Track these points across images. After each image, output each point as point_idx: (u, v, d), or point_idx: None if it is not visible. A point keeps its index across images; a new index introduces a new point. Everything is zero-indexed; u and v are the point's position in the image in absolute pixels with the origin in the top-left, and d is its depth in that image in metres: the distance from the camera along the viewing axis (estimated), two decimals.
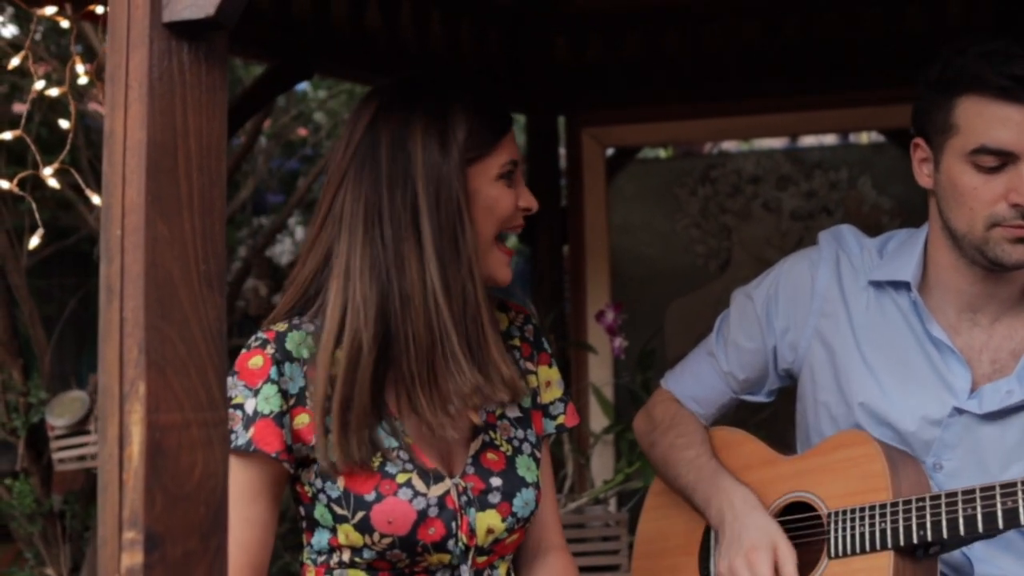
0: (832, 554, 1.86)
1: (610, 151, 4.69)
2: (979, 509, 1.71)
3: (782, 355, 2.09)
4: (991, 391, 1.89)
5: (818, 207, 4.57)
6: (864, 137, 5.44)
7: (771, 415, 2.95)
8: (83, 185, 3.00)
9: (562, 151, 4.72)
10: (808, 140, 6.50)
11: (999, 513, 1.68)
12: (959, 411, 1.89)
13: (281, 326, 1.79)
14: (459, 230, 1.72)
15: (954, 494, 1.76)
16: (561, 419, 1.99)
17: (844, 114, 4.53)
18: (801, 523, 1.95)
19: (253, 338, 1.78)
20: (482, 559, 1.82)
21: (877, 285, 1.99)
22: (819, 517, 1.91)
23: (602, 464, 3.88)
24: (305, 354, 1.76)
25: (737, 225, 4.67)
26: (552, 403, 1.98)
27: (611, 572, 3.22)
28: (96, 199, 2.97)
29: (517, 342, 1.95)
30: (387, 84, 1.85)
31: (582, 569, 3.29)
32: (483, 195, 1.76)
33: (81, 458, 3.74)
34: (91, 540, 4.08)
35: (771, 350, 2.10)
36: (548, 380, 1.98)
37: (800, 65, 4.42)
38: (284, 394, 1.73)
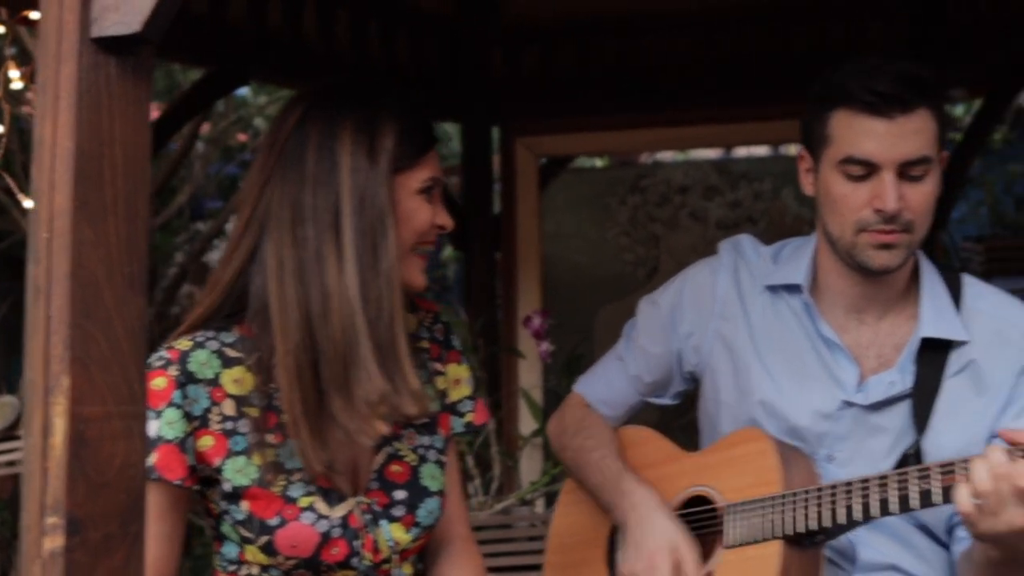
0: (727, 544, 1.97)
1: (543, 160, 4.78)
2: (858, 500, 1.82)
3: (686, 358, 2.19)
4: (876, 383, 2.00)
5: (743, 217, 4.70)
6: (793, 149, 5.59)
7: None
8: (16, 189, 3.01)
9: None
10: (741, 152, 6.66)
11: (875, 503, 1.81)
12: (848, 404, 2.01)
13: (185, 344, 1.77)
14: (380, 237, 1.71)
15: (835, 486, 1.87)
16: (470, 417, 2.01)
17: (775, 126, 4.67)
18: (700, 516, 2.06)
19: (156, 356, 1.75)
20: (388, 565, 1.87)
21: (772, 289, 2.11)
22: (716, 509, 2.03)
23: (531, 466, 3.97)
24: (210, 374, 1.75)
25: (665, 234, 4.78)
26: (461, 401, 2.00)
27: (536, 571, 3.30)
28: (28, 203, 3.00)
29: (426, 343, 1.97)
30: (317, 86, 1.85)
31: (508, 569, 3.39)
32: (403, 206, 1.77)
33: (10, 463, 3.68)
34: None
35: (676, 353, 2.20)
36: (457, 378, 2.00)
37: (733, 78, 4.55)
38: (188, 417, 1.73)
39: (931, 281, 2.05)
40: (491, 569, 3.45)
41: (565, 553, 2.26)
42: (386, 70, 4.23)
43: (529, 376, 4.18)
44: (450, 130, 6.07)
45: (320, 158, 1.73)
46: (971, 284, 2.08)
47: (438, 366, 1.99)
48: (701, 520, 2.06)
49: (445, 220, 1.85)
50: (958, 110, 6.98)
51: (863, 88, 1.89)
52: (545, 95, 4.62)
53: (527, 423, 4.09)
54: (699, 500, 2.07)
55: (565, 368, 3.64)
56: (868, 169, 1.91)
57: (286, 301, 1.71)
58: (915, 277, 2.07)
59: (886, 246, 1.93)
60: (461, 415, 2.01)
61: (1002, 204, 6.69)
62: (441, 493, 1.91)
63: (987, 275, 6.20)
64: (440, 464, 1.94)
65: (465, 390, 2.02)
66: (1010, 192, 6.79)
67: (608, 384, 2.30)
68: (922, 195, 1.93)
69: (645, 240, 4.79)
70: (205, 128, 6.40)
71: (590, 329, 4.59)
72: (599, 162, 7.03)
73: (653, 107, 4.59)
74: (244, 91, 6.78)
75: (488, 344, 3.91)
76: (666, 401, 2.29)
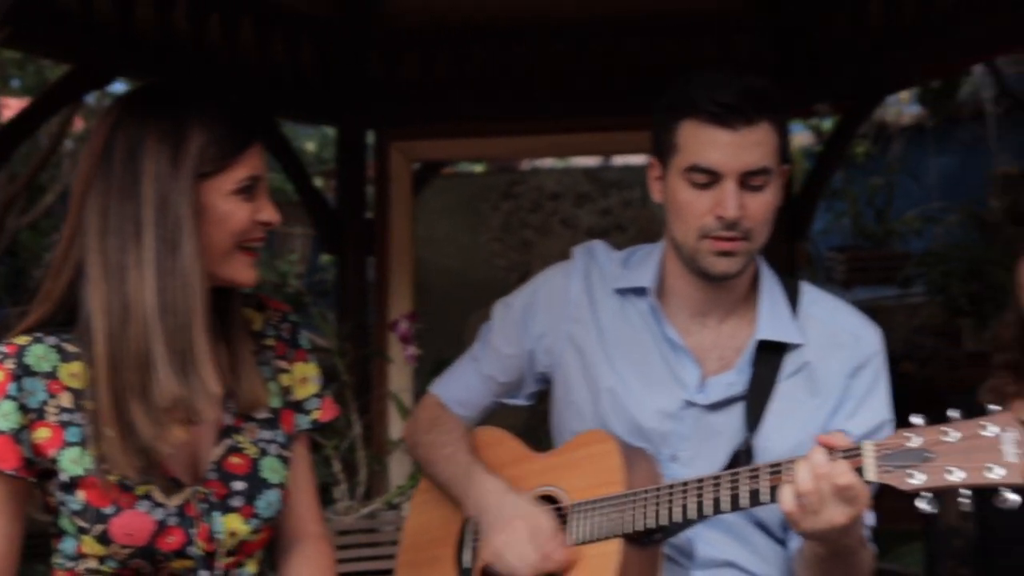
0: (570, 542, 2.01)
1: (417, 165, 4.79)
2: (693, 499, 1.87)
3: (538, 359, 2.23)
4: (715, 384, 2.07)
5: (613, 224, 4.78)
6: None
7: None
8: None
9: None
10: (619, 160, 6.77)
11: (709, 502, 1.85)
12: (689, 404, 2.07)
13: (23, 339, 1.78)
14: (179, 244, 1.74)
15: (672, 486, 1.91)
16: (316, 414, 2.02)
17: (646, 136, 4.71)
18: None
19: None
20: (229, 560, 1.88)
21: (621, 292, 2.16)
22: (562, 509, 2.07)
23: (400, 470, 3.97)
24: (47, 368, 1.77)
25: (537, 240, 4.83)
26: (308, 399, 2.02)
27: None
28: None
29: (271, 341, 1.98)
30: (129, 92, 1.86)
31: (374, 572, 3.40)
32: (216, 209, 1.79)
33: None
34: None
35: (528, 355, 2.24)
36: (304, 376, 2.02)
37: (609, 86, 4.63)
38: (23, 409, 1.74)
39: (770, 287, 2.12)
40: (357, 573, 3.46)
41: (416, 551, 2.29)
42: (260, 70, 4.19)
43: (400, 380, 4.18)
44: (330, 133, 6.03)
45: (125, 167, 1.75)
46: (808, 291, 2.15)
47: (283, 364, 2.00)
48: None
49: (270, 216, 1.86)
50: (825, 124, 7.24)
51: (709, 100, 1.95)
52: (421, 100, 4.62)
53: (397, 427, 4.09)
54: (548, 500, 2.11)
55: (434, 372, 3.65)
56: (712, 178, 1.97)
57: (94, 311, 1.74)
58: (755, 283, 2.14)
59: (726, 253, 1.99)
60: (307, 412, 2.03)
61: (864, 216, 6.96)
62: (282, 486, 1.93)
63: (849, 284, 6.46)
64: (282, 459, 1.95)
65: (312, 388, 2.04)
66: (872, 204, 7.06)
67: (463, 385, 2.33)
68: (761, 204, 1.99)
69: (517, 246, 4.84)
70: (78, 125, 6.24)
71: (462, 333, 4.60)
72: (478, 167, 7.08)
73: (530, 114, 4.63)
74: (118, 87, 6.62)
75: (357, 347, 3.90)
76: (520, 402, 2.33)
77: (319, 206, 4.66)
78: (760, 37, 4.66)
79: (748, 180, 1.97)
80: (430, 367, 3.68)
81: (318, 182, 8.73)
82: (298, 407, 2.02)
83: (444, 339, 4.12)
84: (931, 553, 2.38)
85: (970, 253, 5.94)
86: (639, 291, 2.14)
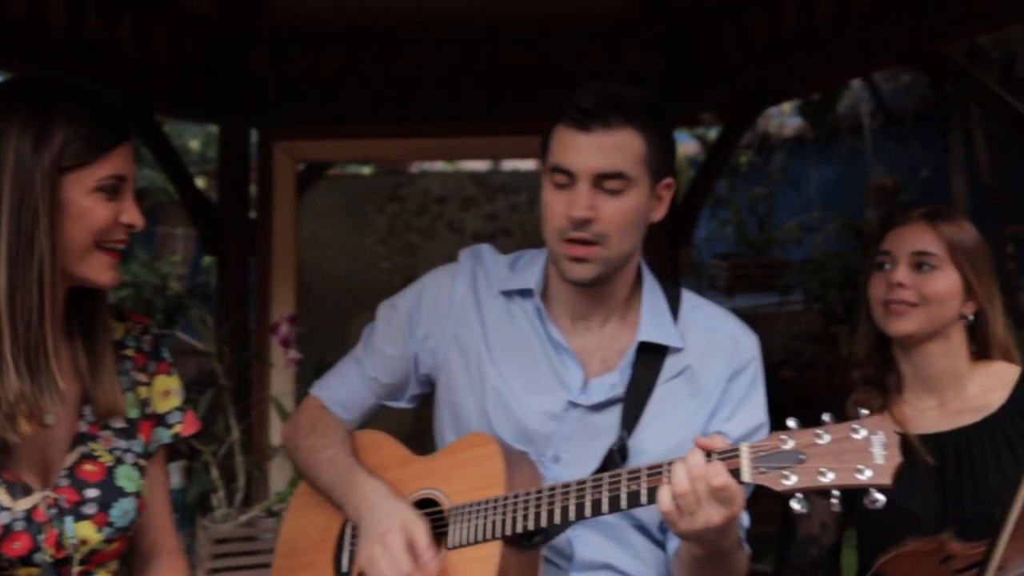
0: (450, 545, 2.01)
1: (302, 165, 4.74)
2: (572, 501, 1.88)
3: (422, 361, 2.22)
4: (598, 385, 2.09)
5: (499, 229, 4.80)
6: None
7: None
8: None
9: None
10: (507, 165, 6.81)
11: (588, 504, 1.86)
12: (572, 404, 2.08)
13: None
14: (35, 236, 1.72)
15: (553, 488, 1.91)
16: (178, 428, 2.01)
17: (534, 141, 4.73)
18: (428, 518, 2.07)
19: None
20: (80, 569, 1.84)
21: (507, 294, 2.18)
22: (443, 512, 2.07)
23: (281, 476, 3.91)
24: None
25: (422, 243, 4.82)
26: (169, 412, 2.01)
27: None
28: None
29: (131, 352, 1.98)
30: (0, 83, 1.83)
31: None
32: (75, 205, 1.76)
33: None
34: None
35: (412, 356, 2.21)
36: (166, 390, 2.01)
37: (497, 91, 4.65)
38: None
39: (651, 291, 2.16)
40: None
41: (293, 557, 2.25)
42: (140, 64, 4.08)
43: (280, 384, 4.13)
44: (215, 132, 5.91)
45: None
46: (688, 298, 2.19)
47: (142, 376, 1.98)
48: (430, 522, 2.09)
49: (133, 218, 1.84)
50: (710, 133, 7.39)
51: (572, 105, 2.00)
52: (307, 99, 4.58)
53: (277, 432, 4.02)
54: (428, 503, 2.11)
55: (315, 376, 3.58)
56: (569, 179, 2.00)
57: None
58: (638, 287, 2.16)
59: (579, 259, 2.01)
60: (169, 426, 2.01)
61: (747, 224, 7.11)
62: (138, 495, 1.90)
63: (731, 291, 6.60)
64: (139, 468, 1.92)
65: (174, 401, 2.02)
66: (754, 213, 7.22)
67: (345, 386, 2.31)
68: (617, 210, 2.01)
69: (402, 249, 4.82)
70: None
71: (345, 337, 4.55)
72: (365, 170, 7.02)
73: (418, 117, 4.63)
74: None
75: (237, 351, 3.83)
76: (403, 405, 2.32)
77: (200, 206, 4.56)
78: (647, 46, 4.74)
79: (603, 183, 2.00)
80: (312, 371, 3.62)
81: (202, 182, 8.56)
82: (159, 420, 1.99)
83: (327, 342, 4.05)
84: (784, 559, 2.43)
85: (847, 262, 6.13)
86: (525, 293, 2.16)
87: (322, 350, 3.83)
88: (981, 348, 2.36)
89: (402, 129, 4.67)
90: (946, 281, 2.31)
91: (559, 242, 2.03)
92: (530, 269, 2.19)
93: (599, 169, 1.99)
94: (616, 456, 2.01)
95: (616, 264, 2.06)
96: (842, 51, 4.16)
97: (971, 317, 2.34)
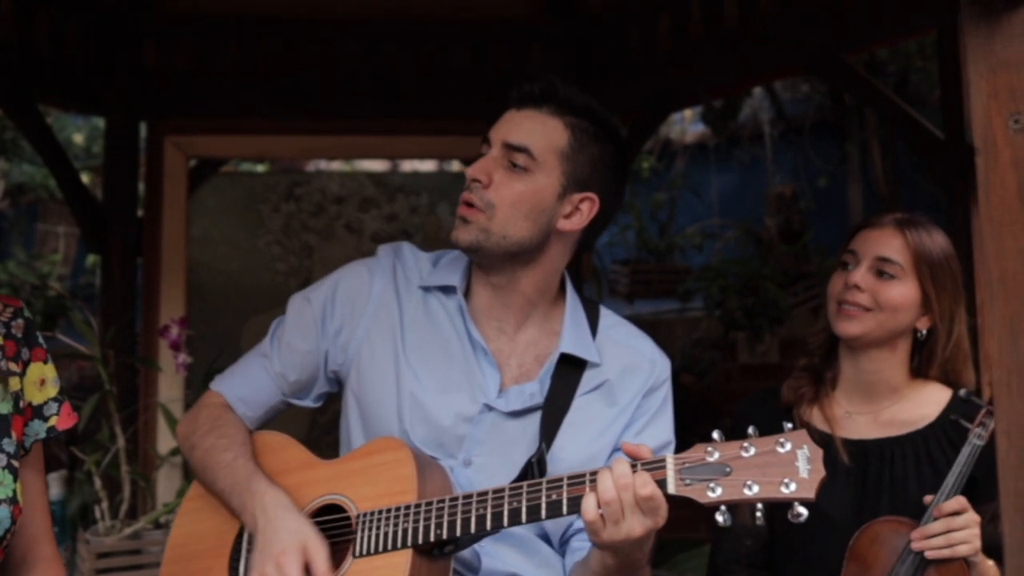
0: (357, 553, 1.96)
1: (193, 161, 4.62)
2: (488, 509, 1.86)
3: (333, 357, 2.18)
4: (516, 393, 2.10)
5: (398, 230, 4.75)
6: (456, 165, 5.72)
7: None
8: None
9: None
10: (408, 165, 6.75)
11: (505, 512, 1.84)
12: (488, 408, 2.08)
13: None
14: None
15: (469, 496, 1.89)
16: (54, 420, 1.92)
17: (439, 141, 4.77)
18: (333, 525, 2.05)
19: None
20: None
21: (427, 290, 2.18)
22: (350, 518, 2.02)
23: (169, 486, 3.80)
24: None
25: (319, 244, 4.75)
26: (45, 403, 1.91)
27: None
28: None
29: (0, 340, 1.88)
30: None
31: None
32: None
33: None
34: None
35: (323, 352, 2.17)
36: (43, 378, 1.91)
37: (398, 89, 4.61)
38: None
39: (574, 306, 2.19)
40: None
41: (184, 563, 2.15)
42: (20, 53, 3.92)
43: (169, 390, 4.02)
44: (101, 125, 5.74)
45: None
46: (606, 315, 2.24)
47: (12, 366, 1.87)
48: (334, 529, 2.04)
49: None
50: None
51: (519, 88, 2.10)
52: (200, 92, 4.48)
53: (166, 440, 3.93)
54: (333, 508, 2.05)
55: (206, 381, 3.50)
56: (488, 147, 2.09)
57: None
58: (561, 305, 2.19)
59: (462, 219, 2.07)
60: (45, 418, 1.91)
61: (647, 230, 7.19)
62: (12, 501, 1.80)
63: (631, 296, 6.66)
64: (11, 470, 1.82)
65: (51, 391, 1.92)
66: (655, 219, 7.31)
67: (249, 382, 2.23)
68: (511, 186, 2.05)
69: (298, 250, 4.74)
70: None
71: (237, 341, 4.46)
72: (260, 168, 6.89)
73: (315, 114, 4.57)
74: None
75: (122, 355, 3.71)
76: (308, 403, 2.26)
77: (84, 202, 4.42)
78: (553, 47, 4.75)
79: (509, 155, 2.06)
80: (202, 376, 3.52)
81: (87, 178, 8.30)
82: (34, 412, 1.89)
83: (218, 346, 3.96)
84: (719, 550, 2.46)
85: (746, 269, 6.24)
86: (447, 290, 2.16)
87: (213, 354, 3.73)
88: (922, 366, 2.38)
89: (299, 126, 4.60)
90: (903, 291, 2.32)
91: (459, 202, 2.08)
92: (453, 267, 2.19)
93: (507, 139, 2.06)
94: (535, 468, 1.99)
95: (499, 244, 2.07)
96: (747, 59, 4.24)
97: (923, 333, 2.35)
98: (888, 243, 2.34)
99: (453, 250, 2.23)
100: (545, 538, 2.12)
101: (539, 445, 2.03)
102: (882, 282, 2.32)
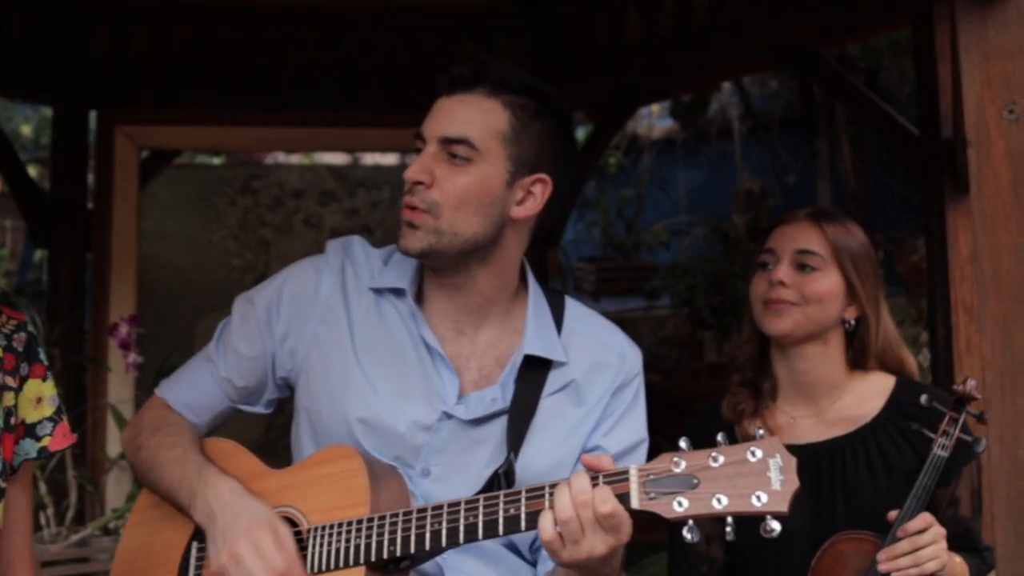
0: (309, 569, 1.88)
1: (145, 153, 4.56)
2: (444, 524, 1.78)
3: (280, 363, 2.08)
4: (477, 399, 1.98)
5: (359, 225, 4.70)
6: None
7: None
8: None
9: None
10: (369, 159, 6.69)
11: (462, 528, 1.76)
12: (447, 416, 1.97)
13: None
14: None
15: (424, 510, 1.81)
16: (46, 441, 1.86)
17: (401, 134, 4.70)
18: None
19: None
20: None
21: (378, 292, 2.05)
22: (301, 532, 1.93)
23: (118, 491, 3.71)
24: None
25: (276, 239, 4.70)
26: (40, 422, 1.85)
27: None
28: None
29: (0, 352, 1.81)
30: None
31: None
32: None
33: None
34: None
35: (270, 357, 2.07)
36: (39, 396, 1.85)
37: (360, 81, 4.55)
38: None
39: (536, 300, 2.06)
40: None
41: None
42: None
43: (119, 390, 3.95)
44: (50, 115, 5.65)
45: None
46: (572, 307, 2.11)
47: (9, 380, 1.80)
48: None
49: None
50: (578, 133, 7.42)
51: (447, 72, 1.95)
52: (153, 81, 4.39)
53: (115, 443, 3.86)
54: (285, 522, 1.97)
55: (157, 381, 3.40)
56: (423, 143, 1.94)
57: None
58: (523, 297, 2.07)
59: (409, 224, 1.94)
60: (37, 438, 1.84)
61: (614, 227, 7.17)
62: None
63: (597, 294, 6.64)
64: None
65: (47, 410, 1.86)
66: (621, 215, 7.29)
67: (195, 387, 2.13)
68: (456, 182, 1.92)
69: (255, 245, 4.68)
70: None
71: (191, 339, 4.38)
72: (216, 160, 6.81)
73: (273, 105, 4.49)
74: None
75: (69, 354, 3.62)
76: (259, 409, 2.15)
77: (31, 195, 4.33)
78: (519, 39, 4.71)
79: (448, 147, 1.91)
80: (153, 376, 3.44)
81: (34, 171, 8.16)
82: (27, 431, 1.83)
83: (171, 345, 3.87)
84: (680, 565, 2.40)
85: (714, 266, 6.24)
86: (398, 292, 2.05)
87: (166, 353, 3.64)
88: (858, 357, 2.37)
89: (256, 117, 4.53)
90: (827, 282, 2.31)
91: (402, 209, 1.95)
92: (403, 265, 2.06)
93: (443, 132, 1.91)
94: (502, 480, 1.91)
95: (453, 244, 1.94)
96: (717, 51, 4.23)
97: (852, 323, 2.35)
98: (806, 236, 2.33)
99: None
100: (512, 547, 2.03)
101: (507, 455, 1.95)
102: (805, 275, 2.32)
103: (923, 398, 2.24)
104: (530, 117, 1.96)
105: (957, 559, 2.18)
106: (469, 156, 1.91)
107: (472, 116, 1.92)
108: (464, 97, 1.93)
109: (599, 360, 2.05)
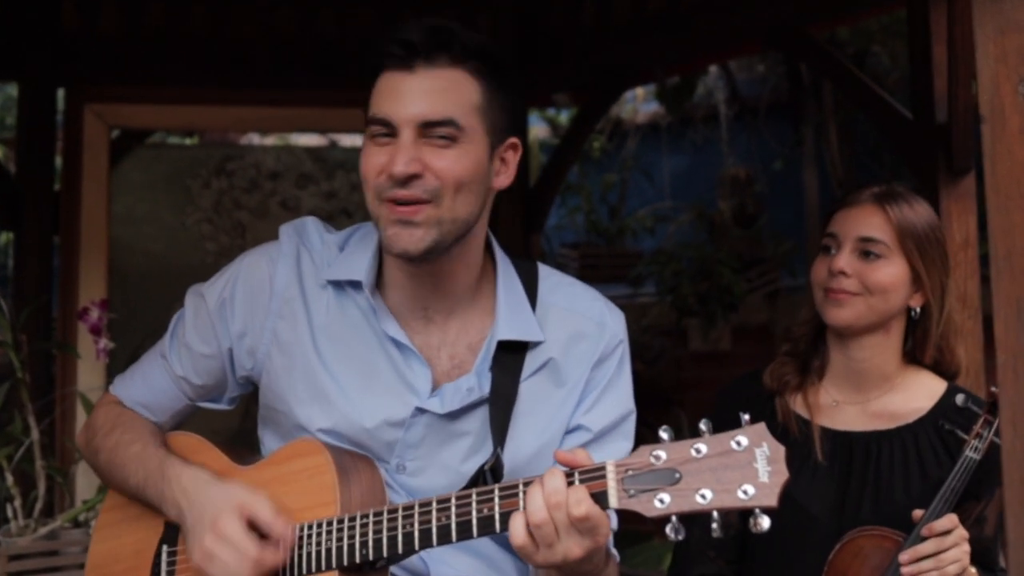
0: (282, 573, 1.83)
1: (116, 132, 4.49)
2: (416, 526, 1.73)
3: (240, 362, 2.01)
4: (452, 390, 1.92)
5: (338, 208, 4.66)
6: None
7: None
8: None
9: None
10: (347, 140, 6.62)
11: (434, 530, 1.72)
12: (421, 411, 1.92)
13: None
14: None
15: (396, 509, 1.76)
16: None
17: None
18: None
19: None
20: None
21: (336, 284, 1.96)
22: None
23: (88, 482, 3.65)
24: None
25: (252, 223, 4.65)
26: None
27: None
28: None
29: None
30: None
31: None
32: None
33: None
34: None
35: (227, 355, 2.00)
36: None
37: (336, 58, 4.49)
38: None
39: (506, 276, 1.98)
40: None
41: None
42: None
43: (89, 378, 3.88)
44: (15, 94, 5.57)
45: None
46: (546, 276, 2.03)
47: None
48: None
49: None
50: (561, 117, 7.39)
51: (393, 40, 1.80)
52: (123, 57, 4.34)
53: None
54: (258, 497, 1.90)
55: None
56: (389, 130, 1.80)
57: None
58: (490, 272, 1.99)
59: (404, 222, 1.81)
60: None
61: (597, 212, 7.15)
62: None
63: (581, 281, 6.63)
64: None
65: None
66: (605, 200, 7.26)
67: (149, 386, 2.08)
68: (450, 162, 1.80)
69: (230, 228, 4.62)
70: None
71: (163, 326, 4.32)
72: (188, 140, 6.73)
73: (248, 83, 4.43)
74: None
75: (37, 340, 3.56)
76: (222, 406, 2.09)
77: None
78: (501, 17, 4.66)
79: (430, 131, 1.80)
80: (125, 363, 3.39)
81: None
82: None
83: (142, 332, 3.82)
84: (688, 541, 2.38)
85: (700, 253, 6.22)
86: (356, 284, 1.95)
87: (137, 340, 3.59)
88: (917, 347, 2.32)
89: (231, 96, 4.46)
90: (892, 271, 2.25)
91: (379, 204, 1.81)
92: (358, 253, 1.95)
93: (424, 116, 1.79)
94: (488, 476, 1.85)
95: (451, 232, 1.84)
96: (705, 33, 4.20)
97: (917, 311, 2.30)
98: (869, 221, 2.27)
99: (361, 226, 2.04)
100: (498, 540, 1.98)
101: (493, 450, 1.89)
102: (868, 264, 2.26)
103: (959, 398, 2.22)
104: (496, 80, 1.86)
105: (972, 570, 2.16)
106: (454, 136, 1.81)
107: (445, 91, 1.80)
108: (430, 72, 1.80)
109: (577, 331, 1.97)
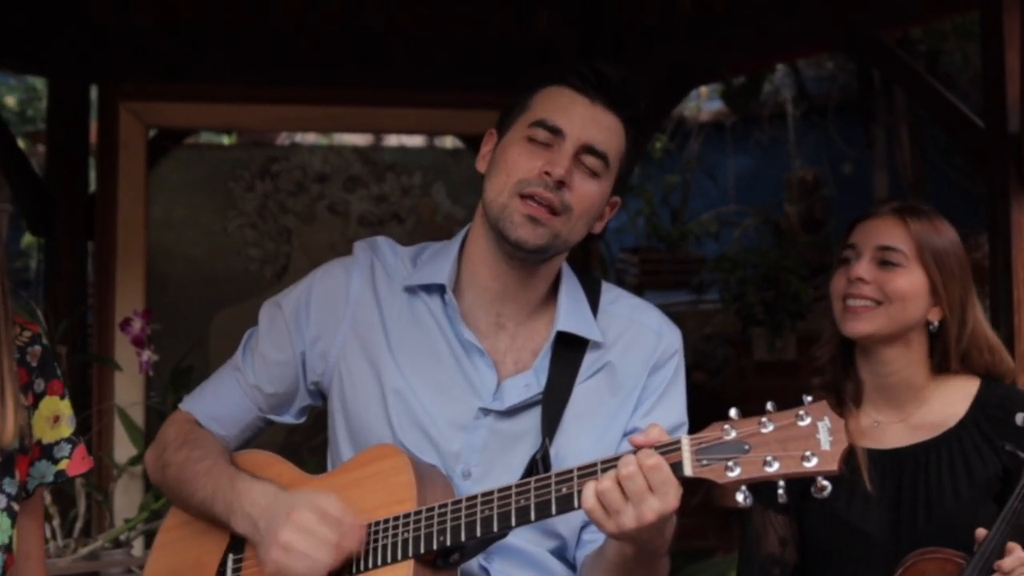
0: (355, 570, 1.96)
1: (154, 131, 4.54)
2: (495, 509, 1.89)
3: (312, 366, 2.17)
4: (511, 386, 2.10)
5: (389, 213, 4.70)
6: (448, 141, 5.66)
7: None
8: None
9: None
10: (393, 140, 6.68)
11: (513, 511, 1.87)
12: (484, 411, 2.09)
13: None
14: None
15: (473, 498, 1.92)
16: (64, 464, 1.89)
17: (431, 115, 4.74)
18: None
19: None
20: None
21: (411, 291, 2.16)
22: None
23: (128, 500, 3.73)
24: None
25: (299, 228, 4.69)
26: (57, 443, 1.88)
27: None
28: None
29: (14, 366, 1.81)
30: None
31: None
32: None
33: None
34: None
35: (300, 361, 2.17)
36: (56, 415, 1.88)
37: (383, 55, 4.55)
38: None
39: (570, 285, 2.20)
40: None
41: None
42: None
43: (128, 392, 3.95)
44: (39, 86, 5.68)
45: None
46: (608, 289, 2.25)
47: (22, 399, 1.81)
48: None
49: None
50: None
51: (587, 68, 2.08)
52: (160, 52, 4.40)
53: (124, 448, 3.85)
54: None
55: (172, 382, 3.42)
56: (553, 138, 2.06)
57: None
58: (556, 284, 2.20)
59: (533, 219, 2.04)
60: (55, 460, 1.88)
61: (659, 215, 7.16)
62: (6, 549, 1.76)
63: (640, 287, 6.62)
64: (10, 514, 1.78)
65: (65, 430, 1.90)
66: (667, 203, 7.27)
67: (221, 399, 2.22)
68: (588, 191, 2.08)
69: (275, 234, 4.67)
70: None
71: (205, 337, 4.39)
72: (226, 139, 6.82)
73: (291, 80, 4.50)
74: None
75: (74, 352, 3.63)
76: (289, 419, 2.24)
77: (24, 175, 4.33)
78: (560, 13, 4.71)
79: (584, 156, 2.06)
80: (168, 377, 3.46)
81: (22, 145, 8.19)
82: (43, 452, 1.86)
83: (183, 343, 3.89)
84: (752, 560, 2.48)
85: (766, 259, 6.22)
86: (432, 288, 2.15)
87: (177, 352, 3.66)
88: (942, 360, 2.44)
89: (272, 93, 4.54)
90: (910, 280, 2.39)
91: (513, 196, 2.05)
92: (438, 262, 2.17)
93: (591, 141, 2.06)
94: (539, 466, 2.01)
95: (557, 249, 2.11)
96: (774, 32, 4.26)
97: (935, 324, 2.42)
98: (889, 232, 2.41)
99: (432, 244, 2.25)
100: (559, 554, 2.12)
101: (542, 441, 2.05)
102: (886, 272, 2.39)
103: (1019, 418, 2.30)
104: (634, 145, 2.14)
105: None
106: (599, 171, 2.08)
107: (611, 132, 2.09)
108: (606, 110, 2.08)
109: (635, 338, 2.17)
